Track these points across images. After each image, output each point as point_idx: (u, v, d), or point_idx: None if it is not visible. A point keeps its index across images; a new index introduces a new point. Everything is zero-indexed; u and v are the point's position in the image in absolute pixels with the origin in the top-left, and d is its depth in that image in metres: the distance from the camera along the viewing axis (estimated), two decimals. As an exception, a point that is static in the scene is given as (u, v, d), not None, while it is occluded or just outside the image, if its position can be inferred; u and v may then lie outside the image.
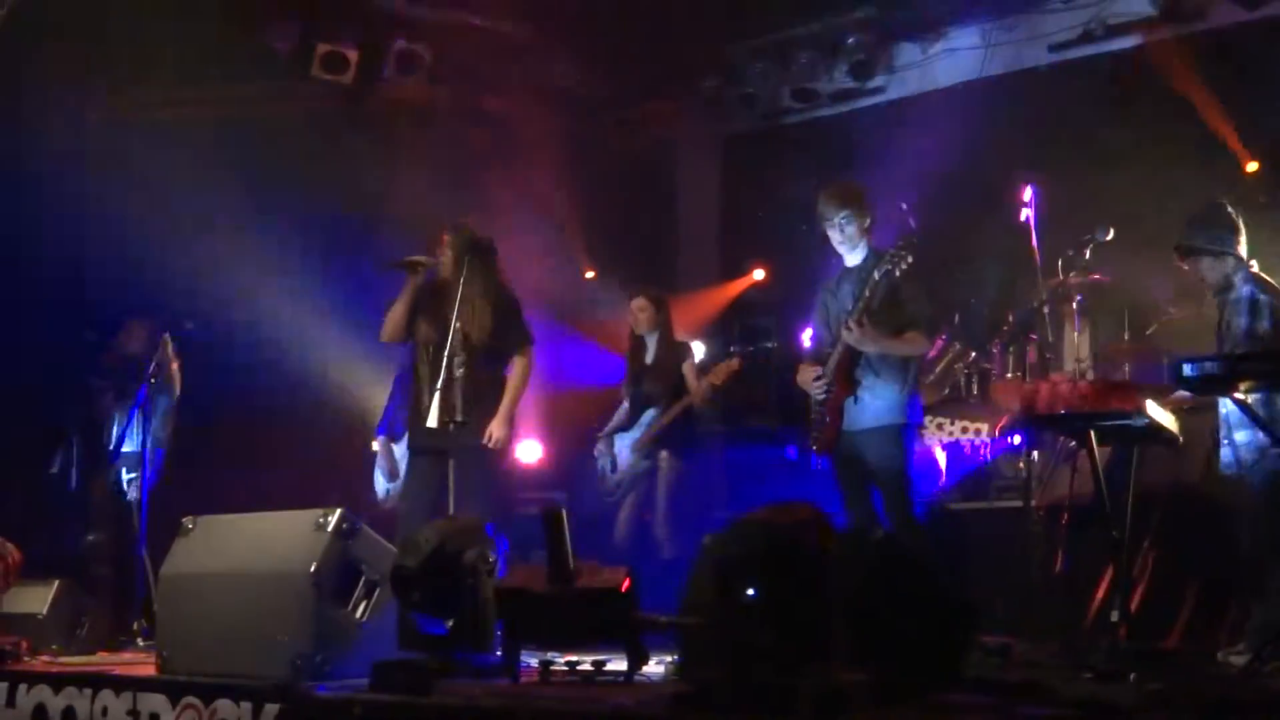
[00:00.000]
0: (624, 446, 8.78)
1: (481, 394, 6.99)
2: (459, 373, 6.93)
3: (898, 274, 6.35)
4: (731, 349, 11.44)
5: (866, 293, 6.39)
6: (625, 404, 8.97)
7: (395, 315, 7.22)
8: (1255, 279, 6.35)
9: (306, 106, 10.64)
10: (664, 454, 8.63)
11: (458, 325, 6.95)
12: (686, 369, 8.76)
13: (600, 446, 8.96)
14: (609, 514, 8.74)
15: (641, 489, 8.69)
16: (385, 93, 10.74)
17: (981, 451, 8.62)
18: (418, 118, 10.89)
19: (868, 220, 6.70)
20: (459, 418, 6.86)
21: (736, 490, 10.57)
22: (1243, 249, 6.43)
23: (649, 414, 8.69)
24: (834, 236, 6.71)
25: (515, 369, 7.16)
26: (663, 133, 12.08)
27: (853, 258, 6.74)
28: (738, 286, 11.61)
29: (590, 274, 11.35)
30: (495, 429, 7.00)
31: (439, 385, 6.84)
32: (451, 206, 8.98)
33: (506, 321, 7.13)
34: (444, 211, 8.42)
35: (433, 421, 6.84)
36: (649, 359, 8.84)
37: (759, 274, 11.47)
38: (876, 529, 6.18)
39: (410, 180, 10.36)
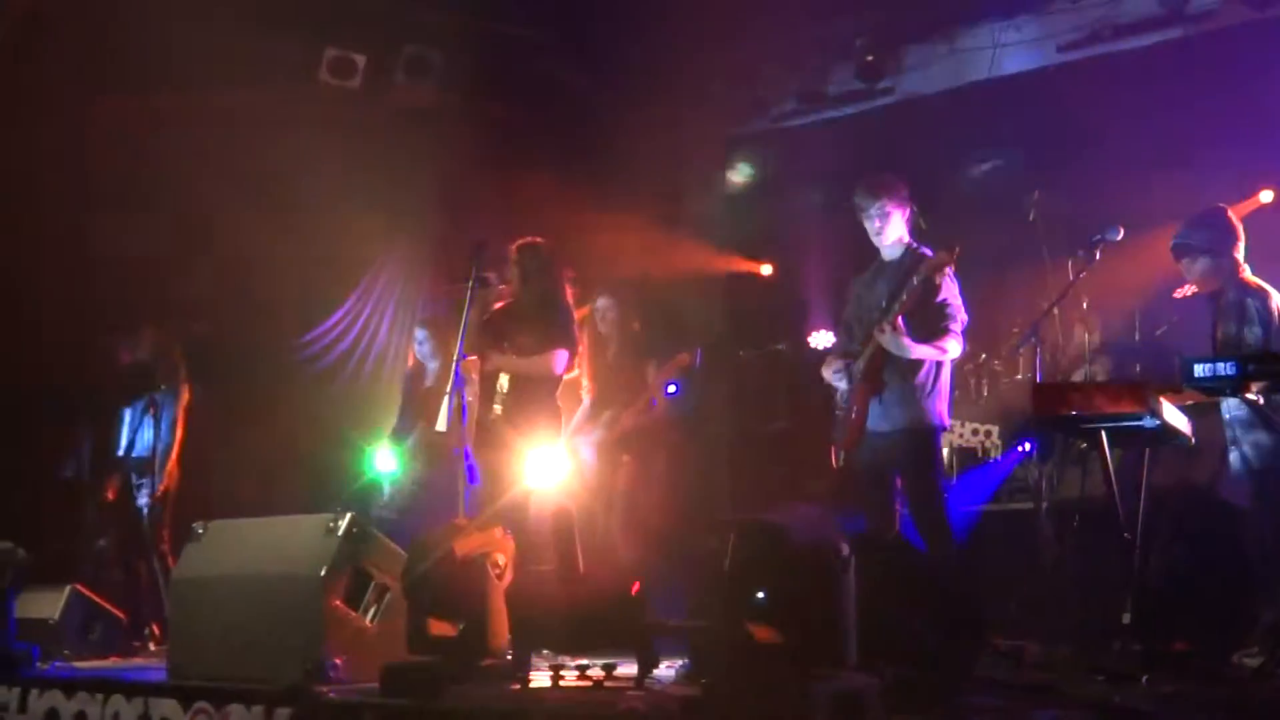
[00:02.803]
0: (587, 449, 8.70)
1: (526, 401, 7.07)
2: (503, 382, 7.03)
3: (936, 280, 6.33)
4: (741, 352, 11.42)
5: (904, 295, 6.36)
6: (585, 405, 8.84)
7: (470, 331, 7.21)
8: (1244, 283, 6.36)
9: (314, 111, 10.64)
10: (625, 458, 8.55)
11: (507, 343, 7.08)
12: (650, 372, 8.65)
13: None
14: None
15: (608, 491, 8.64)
16: (395, 97, 10.74)
17: (992, 455, 8.61)
18: (427, 122, 10.89)
19: (906, 214, 6.69)
20: (496, 411, 6.95)
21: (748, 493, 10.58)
22: (1239, 253, 6.43)
23: (609, 415, 8.62)
24: (870, 228, 6.70)
25: (537, 356, 7.19)
26: (670, 135, 12.06)
27: (888, 252, 6.72)
28: (743, 266, 11.55)
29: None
30: (487, 357, 7.17)
31: (448, 389, 6.85)
32: (463, 210, 8.99)
33: (551, 331, 7.21)
34: (453, 216, 8.44)
35: (442, 425, 6.86)
36: (609, 358, 8.75)
37: (766, 269, 11.44)
38: (890, 531, 6.17)
39: (419, 185, 10.36)
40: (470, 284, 7.01)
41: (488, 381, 7.27)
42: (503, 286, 7.36)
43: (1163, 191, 8.38)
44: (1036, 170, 9.11)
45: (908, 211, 6.72)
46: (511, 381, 7.15)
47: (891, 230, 6.67)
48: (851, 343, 6.77)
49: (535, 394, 7.22)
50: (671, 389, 8.64)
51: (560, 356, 7.29)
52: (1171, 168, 8.73)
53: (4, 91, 9.10)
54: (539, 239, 7.41)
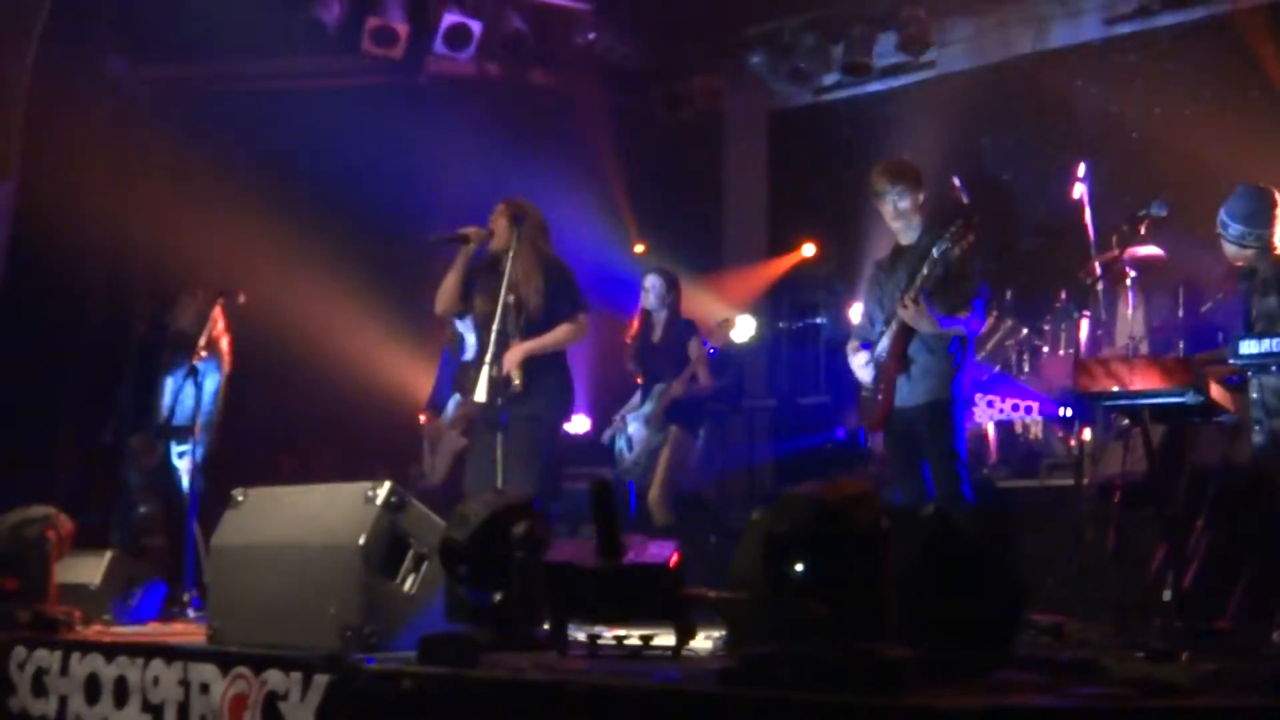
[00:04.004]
0: (638, 424, 8.79)
1: (535, 364, 6.97)
2: (512, 344, 6.94)
3: (957, 252, 6.29)
4: (781, 323, 11.42)
5: (925, 270, 6.34)
6: (640, 383, 9.04)
7: (448, 287, 7.21)
8: (1277, 259, 6.30)
9: (356, 81, 10.66)
10: (673, 428, 8.71)
11: (510, 299, 6.96)
12: (693, 347, 8.78)
13: (616, 426, 9.00)
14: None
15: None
16: (435, 67, 10.75)
17: (1032, 430, 8.57)
18: (467, 92, 10.89)
19: (920, 197, 6.65)
20: (515, 385, 6.86)
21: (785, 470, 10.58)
22: (1277, 235, 6.36)
23: (658, 388, 8.72)
24: (886, 213, 6.68)
25: (561, 333, 7.11)
26: (711, 107, 12.03)
27: (905, 236, 6.70)
28: (787, 262, 11.57)
29: (640, 247, 11.35)
30: (508, 357, 6.93)
31: (488, 359, 6.81)
32: (500, 180, 8.98)
33: (559, 291, 7.10)
34: (492, 186, 8.44)
35: (481, 396, 6.83)
36: (655, 337, 8.87)
37: (809, 249, 11.42)
38: (927, 505, 6.15)
39: (459, 155, 10.37)
40: (512, 242, 6.94)
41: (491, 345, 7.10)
42: (490, 246, 7.23)
43: (1209, 167, 8.31)
44: (1082, 144, 9.04)
45: (923, 196, 6.69)
46: (494, 360, 6.99)
47: (907, 215, 6.64)
48: (873, 329, 6.75)
49: (550, 362, 7.11)
50: (710, 350, 8.78)
51: (583, 323, 7.21)
52: (1218, 142, 8.64)
53: (47, 59, 9.13)
54: (519, 197, 7.34)
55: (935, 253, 6.32)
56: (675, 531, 8.28)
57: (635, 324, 9.03)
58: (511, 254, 7.01)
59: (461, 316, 7.32)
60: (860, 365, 6.72)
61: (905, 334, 6.47)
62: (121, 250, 9.89)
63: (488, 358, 6.81)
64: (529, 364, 6.94)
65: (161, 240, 9.80)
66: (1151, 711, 3.55)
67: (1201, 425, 6.30)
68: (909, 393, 6.49)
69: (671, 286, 8.87)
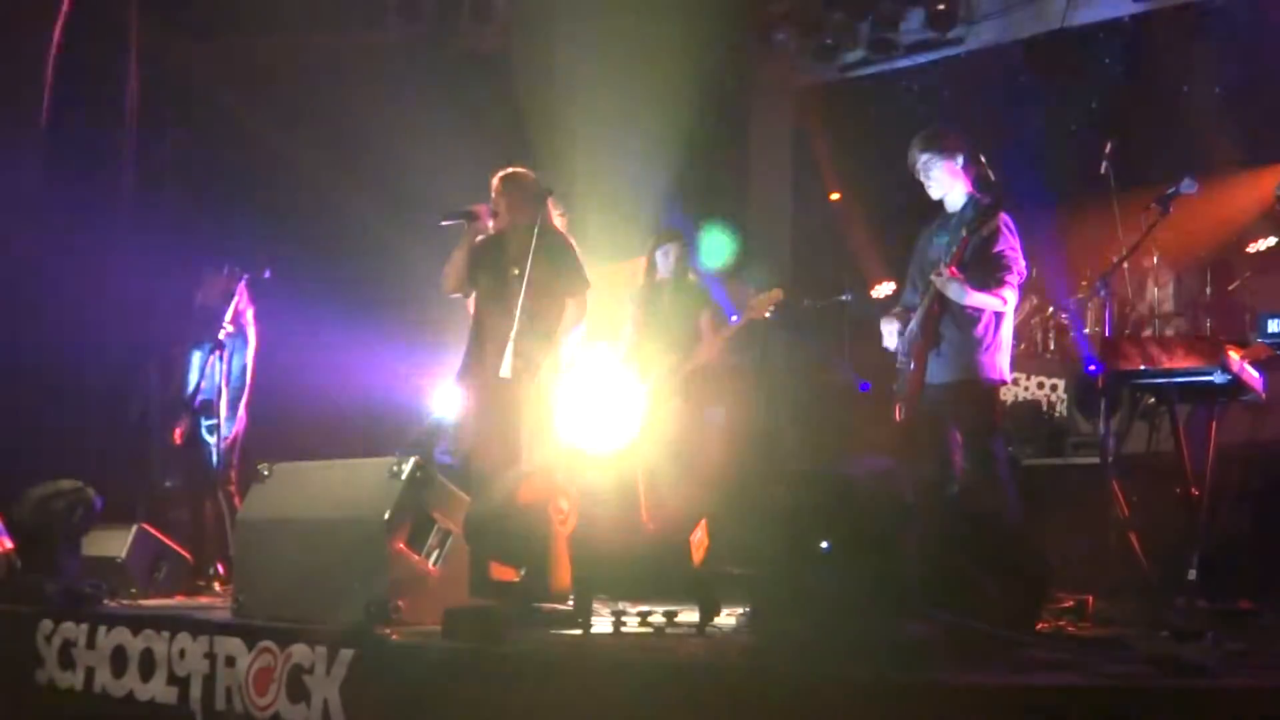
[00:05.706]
0: (639, 393, 8.61)
1: (527, 344, 6.91)
2: (520, 318, 6.91)
3: (985, 232, 6.26)
4: (805, 302, 11.37)
5: (954, 248, 6.32)
6: (624, 347, 8.76)
7: (455, 267, 7.19)
8: None
9: (381, 55, 10.65)
10: (677, 402, 8.47)
11: (515, 272, 6.94)
12: (704, 320, 8.57)
13: None
14: None
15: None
16: (460, 42, 10.74)
17: (1057, 410, 8.54)
18: (491, 67, 10.88)
19: (957, 163, 6.59)
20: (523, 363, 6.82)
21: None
22: None
23: (671, 361, 8.52)
24: (923, 181, 6.64)
25: (567, 310, 7.09)
26: (736, 84, 11.98)
27: (951, 204, 6.65)
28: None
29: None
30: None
31: (513, 334, 6.76)
32: (524, 156, 8.97)
33: (561, 267, 7.06)
34: (517, 160, 8.42)
35: (505, 372, 6.79)
36: (663, 303, 8.69)
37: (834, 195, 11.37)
38: (953, 483, 6.14)
39: (483, 129, 10.35)
40: (515, 217, 6.91)
41: (500, 338, 7.06)
42: (491, 220, 7.20)
43: (1239, 144, 8.26)
44: (1110, 121, 9.00)
45: (960, 162, 6.62)
46: (527, 321, 6.93)
47: (942, 183, 6.60)
48: (915, 294, 6.72)
49: (553, 333, 7.06)
50: (734, 318, 8.60)
51: (584, 300, 7.17)
52: (1248, 120, 8.59)
53: (73, 32, 9.15)
54: (523, 169, 7.30)
55: (964, 231, 6.30)
56: (693, 511, 8.17)
57: (643, 285, 8.82)
58: (516, 230, 7.03)
59: (468, 295, 7.29)
60: (888, 333, 6.69)
61: (938, 306, 6.43)
62: (147, 223, 9.90)
63: (512, 334, 6.77)
64: (522, 345, 6.82)
65: (190, 216, 9.82)
66: (1176, 691, 3.54)
67: (1227, 404, 6.27)
68: (937, 370, 6.46)
69: (686, 253, 8.68)
